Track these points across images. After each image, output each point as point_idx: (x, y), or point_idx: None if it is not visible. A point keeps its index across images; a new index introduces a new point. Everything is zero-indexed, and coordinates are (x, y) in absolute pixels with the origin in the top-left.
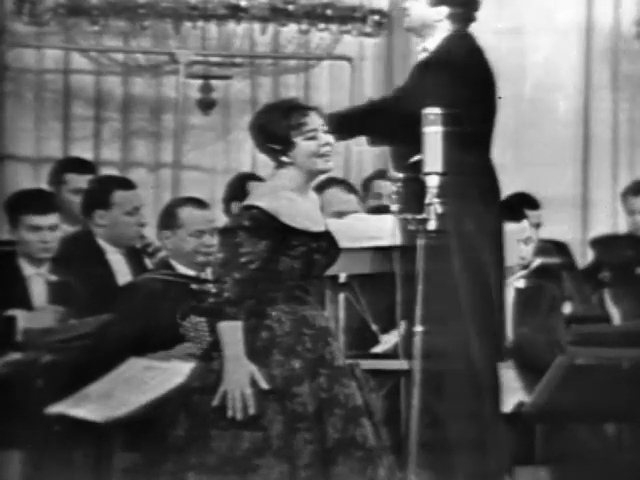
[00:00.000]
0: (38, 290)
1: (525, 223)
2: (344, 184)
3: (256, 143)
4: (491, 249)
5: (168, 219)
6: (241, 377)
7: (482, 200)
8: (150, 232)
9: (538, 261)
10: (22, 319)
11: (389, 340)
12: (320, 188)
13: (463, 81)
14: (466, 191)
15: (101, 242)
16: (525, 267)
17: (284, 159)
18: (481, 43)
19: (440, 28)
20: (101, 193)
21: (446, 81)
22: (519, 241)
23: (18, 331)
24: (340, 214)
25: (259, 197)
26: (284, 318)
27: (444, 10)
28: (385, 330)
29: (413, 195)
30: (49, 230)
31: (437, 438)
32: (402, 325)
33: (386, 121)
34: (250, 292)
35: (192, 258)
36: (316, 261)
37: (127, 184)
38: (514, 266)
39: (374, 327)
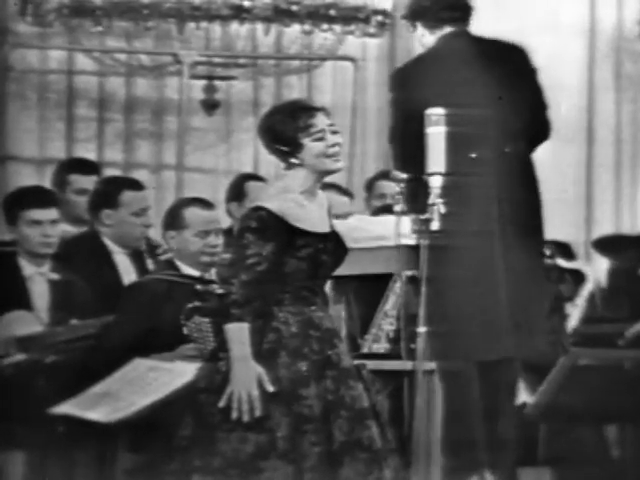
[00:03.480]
0: (39, 290)
1: None
2: (336, 187)
3: (264, 145)
4: (531, 245)
5: (173, 219)
6: (248, 379)
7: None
8: (154, 233)
9: None
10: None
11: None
12: None
13: (425, 84)
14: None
15: (107, 242)
16: None
17: (293, 160)
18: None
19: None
20: (109, 193)
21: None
22: None
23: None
24: (334, 216)
25: (266, 199)
26: (291, 319)
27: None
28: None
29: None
30: (50, 224)
31: (442, 437)
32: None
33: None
34: (257, 293)
35: (197, 258)
36: (323, 262)
37: (136, 185)
38: None
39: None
